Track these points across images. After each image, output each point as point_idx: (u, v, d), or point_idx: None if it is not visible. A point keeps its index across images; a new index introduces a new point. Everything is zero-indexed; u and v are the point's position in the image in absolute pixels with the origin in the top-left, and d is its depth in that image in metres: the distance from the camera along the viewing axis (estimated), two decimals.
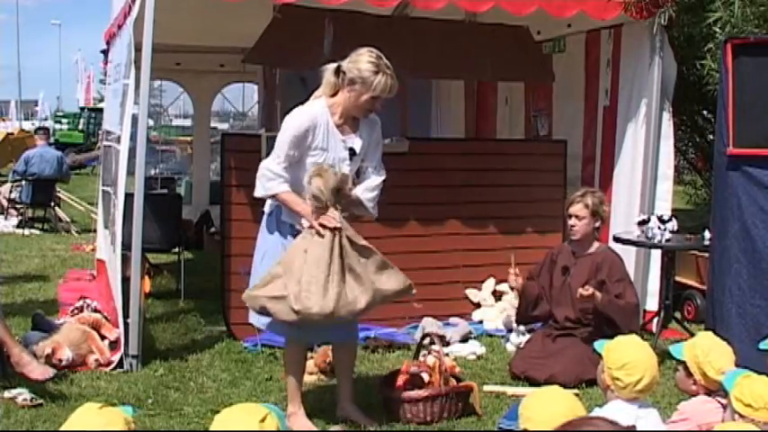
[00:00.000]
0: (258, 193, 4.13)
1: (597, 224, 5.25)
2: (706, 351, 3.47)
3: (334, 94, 4.12)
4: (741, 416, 2.99)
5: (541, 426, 2.79)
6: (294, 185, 4.07)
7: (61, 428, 2.35)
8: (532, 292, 5.31)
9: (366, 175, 4.30)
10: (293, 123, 4.07)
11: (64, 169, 12.17)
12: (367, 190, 4.25)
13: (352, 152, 4.16)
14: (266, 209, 4.27)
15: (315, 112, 4.09)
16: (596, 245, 5.30)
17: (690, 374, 3.52)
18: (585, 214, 5.18)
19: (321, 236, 3.90)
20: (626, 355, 3.30)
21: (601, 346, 3.44)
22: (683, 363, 3.55)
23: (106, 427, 2.30)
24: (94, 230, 8.78)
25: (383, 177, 4.33)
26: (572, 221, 5.21)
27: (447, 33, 6.57)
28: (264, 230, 4.26)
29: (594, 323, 5.11)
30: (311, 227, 3.95)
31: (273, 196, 4.11)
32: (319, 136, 4.07)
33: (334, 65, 4.12)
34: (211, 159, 11.94)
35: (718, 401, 3.39)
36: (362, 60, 4.04)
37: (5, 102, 56.18)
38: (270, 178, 4.06)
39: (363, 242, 4.01)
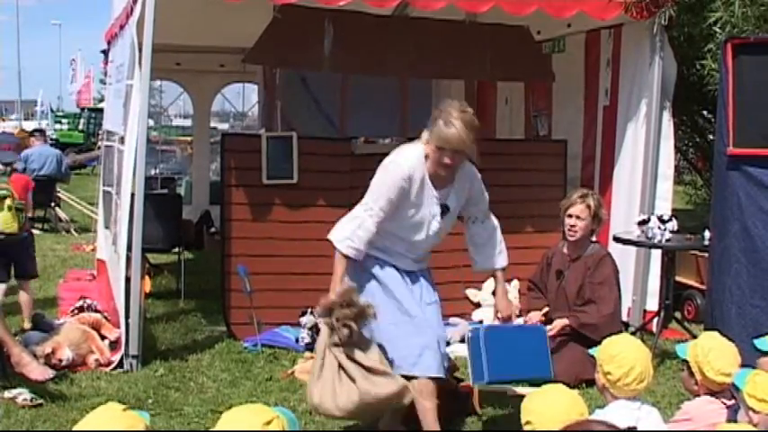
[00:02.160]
0: (331, 235, 3.78)
1: (595, 227, 5.24)
2: (705, 351, 3.47)
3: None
4: (756, 411, 2.99)
5: (545, 424, 2.79)
6: (380, 237, 3.79)
7: (79, 426, 2.30)
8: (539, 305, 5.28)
9: (476, 224, 4.10)
10: (389, 178, 3.73)
11: (63, 168, 12.16)
12: (488, 248, 4.10)
13: (444, 209, 3.88)
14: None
15: (411, 167, 3.74)
16: (590, 246, 5.29)
17: (692, 374, 3.52)
18: (587, 216, 5.16)
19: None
20: (615, 348, 3.32)
21: (596, 351, 3.45)
22: (687, 362, 3.55)
23: (128, 428, 2.25)
24: (94, 230, 8.78)
25: (495, 224, 4.13)
26: (572, 222, 5.18)
27: (447, 33, 6.56)
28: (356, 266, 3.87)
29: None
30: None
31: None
32: (414, 191, 3.76)
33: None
34: (211, 159, 11.92)
35: (723, 402, 3.39)
36: (443, 111, 3.73)
37: (8, 102, 56.27)
38: (347, 236, 3.72)
39: (363, 360, 3.63)
